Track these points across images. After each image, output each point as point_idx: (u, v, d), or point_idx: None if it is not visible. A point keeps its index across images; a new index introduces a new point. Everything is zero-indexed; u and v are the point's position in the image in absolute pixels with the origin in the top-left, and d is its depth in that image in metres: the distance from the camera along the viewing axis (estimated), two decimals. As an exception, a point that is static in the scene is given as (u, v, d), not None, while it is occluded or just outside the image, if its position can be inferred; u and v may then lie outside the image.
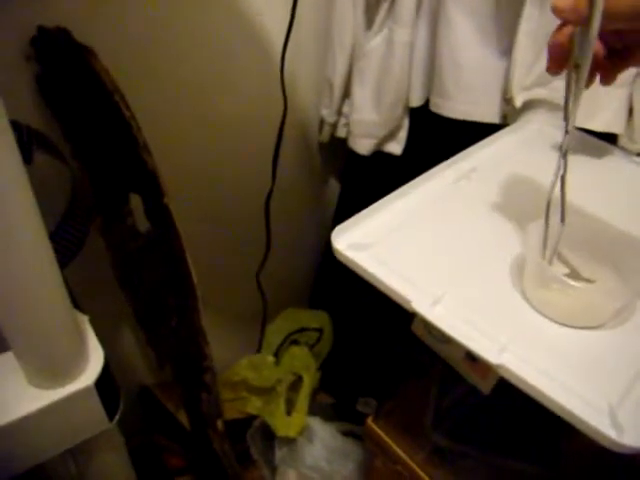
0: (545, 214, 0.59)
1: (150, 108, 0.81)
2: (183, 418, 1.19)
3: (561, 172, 0.56)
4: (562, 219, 0.58)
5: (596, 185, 0.82)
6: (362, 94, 1.04)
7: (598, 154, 0.87)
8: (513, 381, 0.54)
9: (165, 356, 1.08)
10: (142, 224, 0.91)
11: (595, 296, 0.61)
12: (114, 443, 0.66)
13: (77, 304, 0.64)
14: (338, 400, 1.39)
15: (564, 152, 0.55)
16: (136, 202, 0.89)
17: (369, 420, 0.92)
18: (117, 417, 0.59)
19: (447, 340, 0.58)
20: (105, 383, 0.56)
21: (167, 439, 1.29)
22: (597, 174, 0.84)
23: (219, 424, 1.05)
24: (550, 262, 0.60)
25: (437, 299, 0.59)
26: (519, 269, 0.64)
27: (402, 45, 0.97)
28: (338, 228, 0.65)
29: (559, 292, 0.60)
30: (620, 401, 0.52)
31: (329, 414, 1.34)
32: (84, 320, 0.61)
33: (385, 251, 0.64)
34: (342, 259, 0.63)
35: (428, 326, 0.61)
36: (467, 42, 0.91)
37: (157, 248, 0.92)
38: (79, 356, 0.57)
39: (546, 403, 0.52)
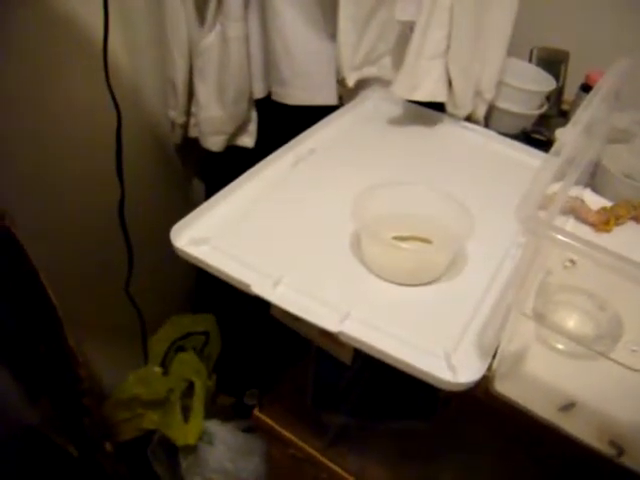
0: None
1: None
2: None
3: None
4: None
5: (431, 150, 0.87)
6: (205, 92, 1.04)
7: (430, 122, 0.92)
8: (356, 345, 0.56)
9: (39, 388, 1.03)
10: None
11: (425, 255, 0.65)
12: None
13: None
14: (237, 399, 1.39)
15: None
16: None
17: (255, 411, 0.93)
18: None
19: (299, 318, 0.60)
20: None
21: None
22: (431, 140, 0.89)
23: (108, 447, 1.02)
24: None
25: (278, 280, 0.60)
26: (357, 240, 0.67)
27: (236, 40, 0.97)
28: (177, 225, 0.65)
29: (393, 255, 0.63)
30: (454, 346, 0.56)
31: (230, 415, 1.34)
32: None
33: (227, 241, 0.65)
34: (183, 256, 0.63)
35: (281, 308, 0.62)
36: (295, 30, 0.93)
37: (6, 275, 0.87)
38: None
39: (388, 360, 0.55)
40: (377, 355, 0.55)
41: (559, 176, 0.66)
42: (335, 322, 0.56)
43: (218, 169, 1.23)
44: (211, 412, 1.29)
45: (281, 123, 1.08)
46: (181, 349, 1.31)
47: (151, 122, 1.13)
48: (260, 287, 0.59)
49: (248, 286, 0.59)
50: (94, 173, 0.99)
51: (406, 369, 0.54)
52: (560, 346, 0.57)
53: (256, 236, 0.67)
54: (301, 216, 0.71)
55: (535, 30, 1.00)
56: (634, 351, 0.46)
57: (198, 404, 1.23)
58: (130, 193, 1.01)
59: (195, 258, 0.63)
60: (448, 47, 0.82)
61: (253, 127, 1.10)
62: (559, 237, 0.40)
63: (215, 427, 1.25)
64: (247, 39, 0.99)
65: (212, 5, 0.97)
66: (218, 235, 0.65)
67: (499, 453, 0.82)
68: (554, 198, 0.61)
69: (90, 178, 0.99)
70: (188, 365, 1.27)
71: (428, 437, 0.87)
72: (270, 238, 0.67)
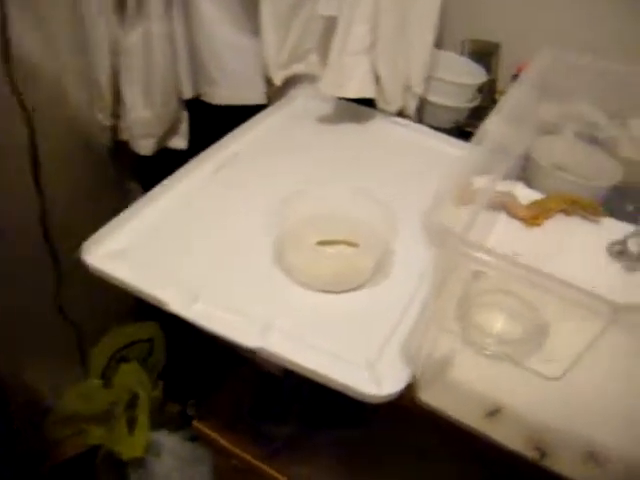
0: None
1: None
2: None
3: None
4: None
5: (362, 148, 0.85)
6: (131, 92, 0.99)
7: (361, 119, 0.90)
8: (277, 361, 0.54)
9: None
10: None
11: (349, 259, 0.63)
12: None
13: None
14: (183, 408, 1.35)
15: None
16: None
17: (195, 421, 0.90)
18: None
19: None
20: None
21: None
22: (363, 138, 0.87)
23: (44, 470, 0.98)
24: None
25: (197, 295, 0.57)
26: (280, 248, 0.64)
27: (159, 38, 0.93)
28: (89, 240, 0.61)
29: (316, 261, 0.61)
30: (378, 356, 0.54)
31: (178, 423, 1.30)
32: None
33: (143, 256, 0.62)
34: (95, 273, 0.60)
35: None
36: (219, 28, 0.90)
37: None
38: None
39: (310, 375, 0.53)
40: (299, 370, 0.53)
41: (485, 169, 0.64)
42: (255, 338, 0.54)
43: (154, 173, 1.19)
44: (159, 421, 1.26)
45: (215, 124, 1.04)
46: (124, 360, 1.27)
47: (81, 125, 1.07)
48: (177, 305, 0.56)
49: (166, 304, 0.56)
50: (11, 184, 0.93)
51: (328, 383, 0.52)
52: (488, 352, 0.56)
53: (175, 248, 0.64)
54: (223, 226, 0.68)
55: (466, 23, 0.99)
56: (548, 360, 0.45)
57: (143, 416, 1.19)
58: (59, 203, 0.96)
59: (107, 275, 0.59)
60: (373, 42, 0.80)
61: (184, 128, 1.06)
62: (464, 249, 0.38)
63: (163, 438, 1.21)
64: (171, 38, 0.95)
65: (132, 3, 0.93)
66: (134, 249, 0.62)
67: (443, 454, 0.81)
68: (478, 193, 0.60)
69: (8, 188, 0.93)
70: (131, 376, 1.23)
71: (371, 443, 0.85)
72: (189, 250, 0.64)
